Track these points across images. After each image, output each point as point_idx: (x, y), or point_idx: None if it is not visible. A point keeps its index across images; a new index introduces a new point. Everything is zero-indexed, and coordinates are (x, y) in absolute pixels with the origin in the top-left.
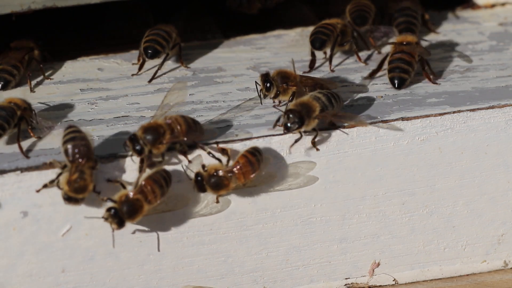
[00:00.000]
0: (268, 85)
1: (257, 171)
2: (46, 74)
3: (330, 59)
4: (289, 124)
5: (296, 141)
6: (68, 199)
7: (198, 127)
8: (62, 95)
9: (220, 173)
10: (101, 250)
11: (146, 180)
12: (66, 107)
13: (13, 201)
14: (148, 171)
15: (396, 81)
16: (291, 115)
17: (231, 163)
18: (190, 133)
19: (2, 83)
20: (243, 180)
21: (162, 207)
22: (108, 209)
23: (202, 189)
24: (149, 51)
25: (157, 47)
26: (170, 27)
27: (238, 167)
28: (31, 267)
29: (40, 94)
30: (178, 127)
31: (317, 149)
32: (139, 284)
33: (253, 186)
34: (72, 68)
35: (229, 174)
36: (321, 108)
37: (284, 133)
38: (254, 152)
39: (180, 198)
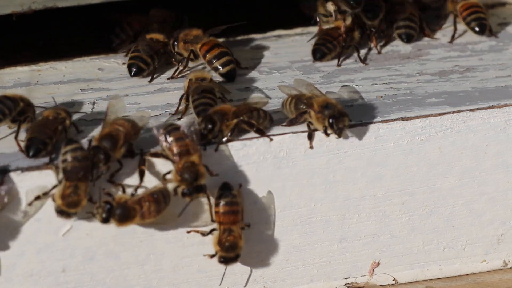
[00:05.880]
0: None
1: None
2: (46, 76)
3: (338, 57)
4: (204, 132)
5: None
6: (61, 212)
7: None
8: (63, 95)
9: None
10: (101, 250)
11: (148, 195)
12: (66, 107)
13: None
14: (153, 185)
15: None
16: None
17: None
18: None
19: (134, 69)
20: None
21: (152, 220)
22: (105, 202)
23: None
24: (133, 69)
25: (140, 65)
26: (160, 37)
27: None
28: (31, 267)
29: (41, 94)
30: None
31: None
32: (139, 284)
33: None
34: (72, 68)
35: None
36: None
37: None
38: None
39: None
